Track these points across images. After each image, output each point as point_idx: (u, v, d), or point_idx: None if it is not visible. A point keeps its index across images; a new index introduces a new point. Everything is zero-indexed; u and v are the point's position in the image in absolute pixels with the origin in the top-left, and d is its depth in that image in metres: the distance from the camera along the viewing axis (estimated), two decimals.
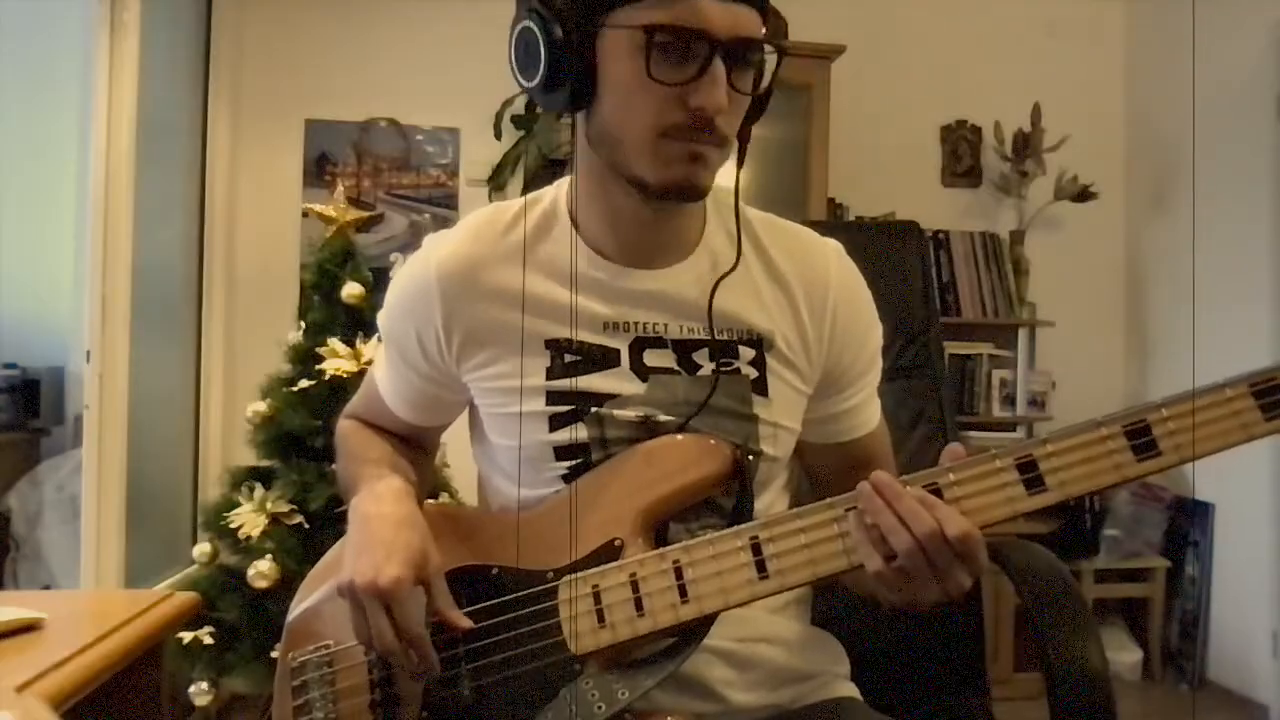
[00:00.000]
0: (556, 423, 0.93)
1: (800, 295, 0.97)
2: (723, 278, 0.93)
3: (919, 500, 0.77)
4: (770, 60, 0.87)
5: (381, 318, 1.02)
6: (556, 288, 0.94)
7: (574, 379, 0.93)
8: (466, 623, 0.88)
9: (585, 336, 0.94)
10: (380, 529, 0.89)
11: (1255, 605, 3.02)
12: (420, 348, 0.98)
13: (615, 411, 0.92)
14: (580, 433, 0.93)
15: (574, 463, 0.93)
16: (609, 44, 0.84)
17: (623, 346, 0.94)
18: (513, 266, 0.95)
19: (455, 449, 1.18)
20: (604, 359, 0.93)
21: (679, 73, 0.82)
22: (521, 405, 0.94)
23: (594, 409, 0.92)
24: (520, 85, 0.89)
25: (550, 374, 0.93)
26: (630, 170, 0.87)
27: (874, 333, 1.02)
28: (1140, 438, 0.75)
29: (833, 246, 1.01)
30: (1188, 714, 3.06)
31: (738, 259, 0.94)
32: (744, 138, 0.91)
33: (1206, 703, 3.11)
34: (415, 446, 1.10)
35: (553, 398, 0.93)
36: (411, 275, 0.98)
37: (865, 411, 1.03)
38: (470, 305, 0.95)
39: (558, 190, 0.99)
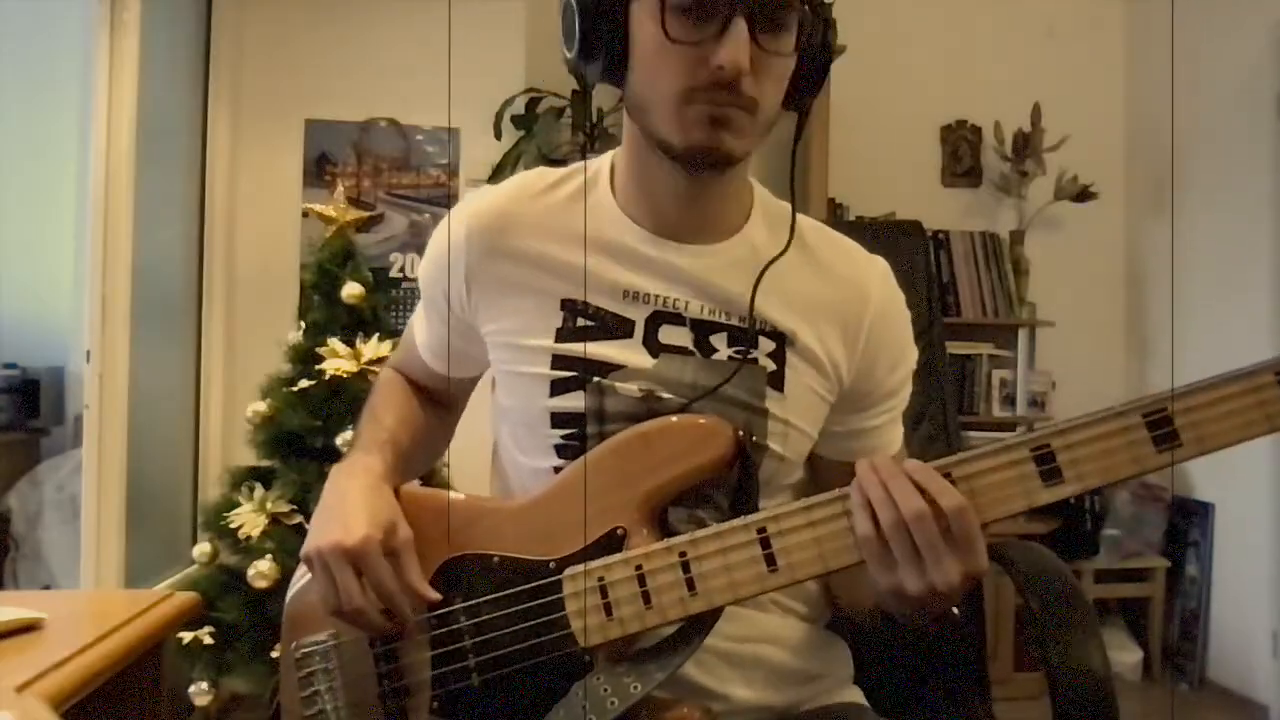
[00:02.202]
0: (558, 388, 0.92)
1: (836, 307, 0.95)
2: (772, 262, 0.92)
3: (914, 479, 0.75)
4: (794, 18, 0.85)
5: (420, 268, 1.04)
6: (581, 253, 0.94)
7: (580, 344, 0.93)
8: (434, 595, 0.88)
9: (602, 303, 0.93)
10: (349, 496, 0.90)
11: (1255, 605, 3.02)
12: (446, 298, 1.00)
13: (617, 384, 0.91)
14: (579, 402, 0.92)
15: (569, 432, 0.92)
16: (637, 10, 0.85)
17: (639, 318, 0.93)
18: (542, 229, 0.95)
19: (455, 448, 1.18)
20: (618, 328, 0.92)
21: (698, 32, 0.82)
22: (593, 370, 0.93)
23: (596, 378, 0.91)
24: (565, 60, 0.90)
25: (560, 336, 0.93)
26: (659, 134, 0.87)
27: (908, 357, 1.00)
28: (1161, 428, 0.73)
29: (879, 264, 0.99)
30: (1188, 714, 3.06)
31: (789, 242, 0.93)
32: (803, 109, 0.91)
33: (1206, 703, 3.11)
34: (440, 403, 1.12)
35: (558, 362, 0.92)
36: (444, 228, 1.00)
37: (888, 433, 1.01)
38: (494, 260, 0.96)
39: (603, 161, 0.99)
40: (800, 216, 0.98)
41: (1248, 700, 3.03)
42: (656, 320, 0.93)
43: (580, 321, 0.93)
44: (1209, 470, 3.24)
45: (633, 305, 0.93)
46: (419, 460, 1.07)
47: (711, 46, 0.81)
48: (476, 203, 0.99)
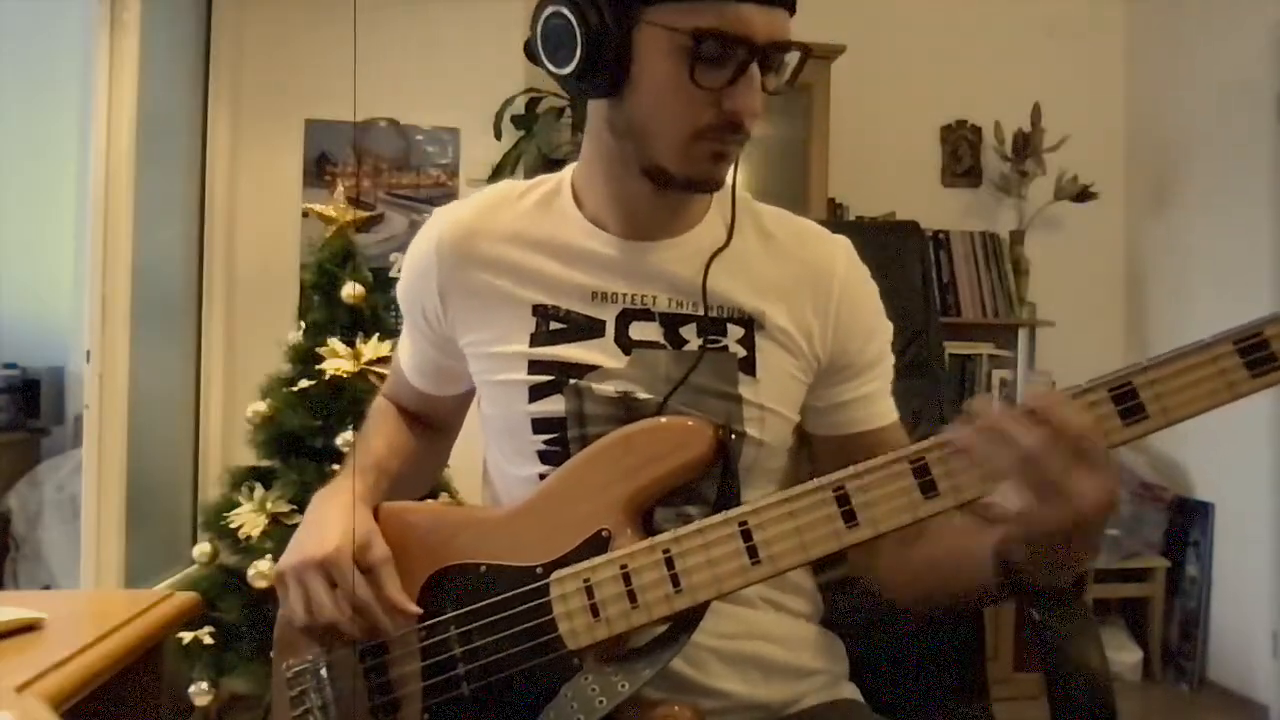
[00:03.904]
0: (536, 393, 0.93)
1: (804, 282, 0.96)
2: (717, 253, 0.93)
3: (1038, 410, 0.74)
4: (794, 58, 0.88)
5: (398, 287, 1.05)
6: (550, 259, 0.95)
7: (554, 346, 0.94)
8: (415, 610, 0.89)
9: (573, 306, 0.94)
10: (325, 517, 0.91)
11: (1255, 605, 3.02)
12: (423, 315, 1.02)
13: (594, 385, 0.92)
14: (558, 405, 0.92)
15: (551, 437, 0.93)
16: (646, 39, 0.84)
17: (609, 318, 0.94)
18: (509, 238, 0.97)
19: (456, 448, 1.18)
20: (589, 329, 0.94)
21: (717, 76, 0.83)
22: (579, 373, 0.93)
23: (573, 381, 0.92)
24: (548, 70, 0.89)
25: (534, 341, 0.94)
26: (654, 162, 0.88)
27: (882, 326, 1.01)
28: (1126, 401, 0.74)
29: (841, 241, 1.01)
30: (1188, 714, 3.06)
31: (730, 235, 0.95)
32: None
33: (1206, 703, 3.11)
34: (432, 426, 1.12)
35: (535, 367, 0.94)
36: (417, 244, 1.02)
37: (878, 403, 1.01)
38: (465, 272, 0.97)
39: (565, 172, 1.01)
40: (761, 205, 1.00)
41: (1248, 700, 3.03)
42: (626, 318, 0.94)
43: (552, 325, 0.94)
44: (1209, 470, 3.24)
45: (602, 305, 0.94)
46: (413, 483, 1.08)
47: (727, 90, 0.83)
48: (444, 217, 1.01)
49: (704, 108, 0.84)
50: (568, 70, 0.86)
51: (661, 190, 0.91)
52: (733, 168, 0.94)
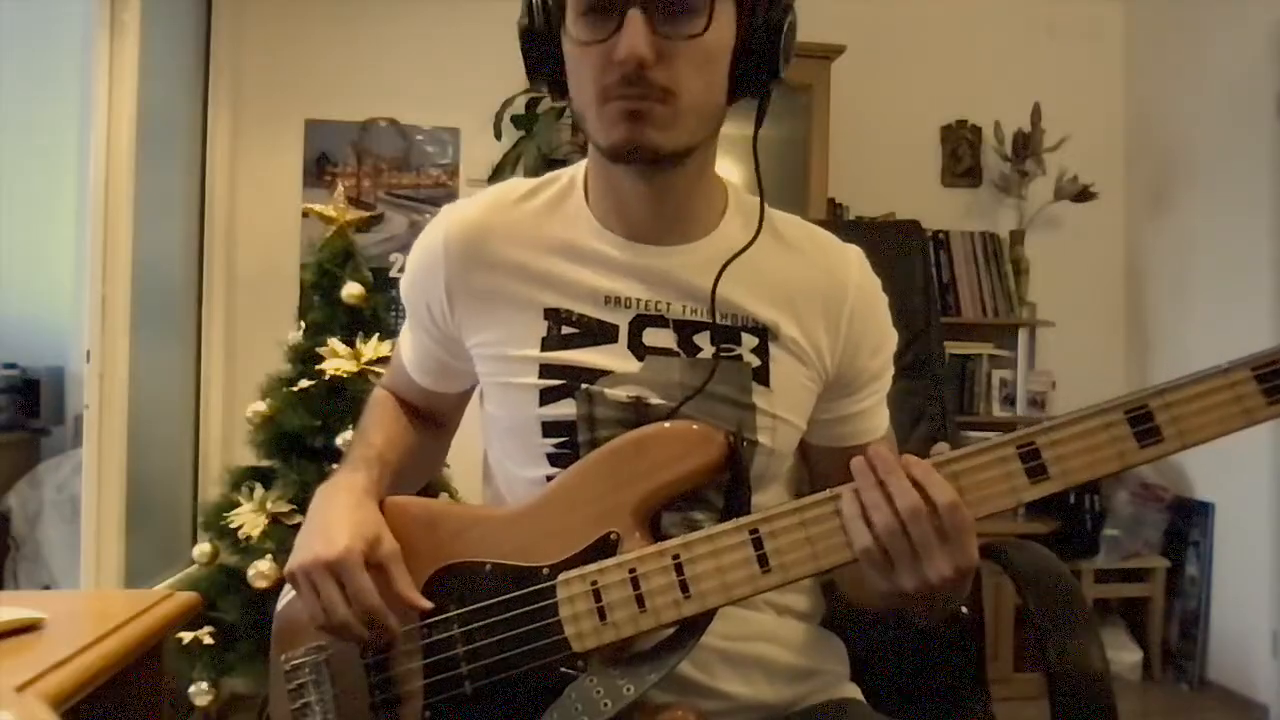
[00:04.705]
0: (547, 397, 0.92)
1: (817, 294, 0.96)
2: (736, 255, 0.92)
3: (911, 474, 0.76)
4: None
5: (401, 283, 1.04)
6: (562, 261, 0.94)
7: (567, 351, 0.93)
8: (426, 604, 0.88)
9: (585, 310, 0.93)
10: (331, 513, 0.90)
11: (1255, 605, 3.02)
12: (429, 312, 1.00)
13: (606, 390, 0.91)
14: (569, 410, 0.92)
15: (561, 440, 0.92)
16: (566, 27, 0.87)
17: (622, 323, 0.93)
18: (519, 238, 0.96)
19: (455, 447, 1.18)
20: (602, 333, 0.93)
21: (600, 31, 0.83)
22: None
23: (585, 385, 0.91)
24: (528, 80, 0.92)
25: (545, 344, 0.93)
26: (592, 138, 0.88)
27: (889, 340, 1.01)
28: (1142, 424, 0.74)
29: (855, 251, 1.00)
30: (1188, 714, 3.06)
31: (758, 232, 0.93)
32: (762, 92, 0.90)
33: (1206, 703, 3.11)
34: (431, 421, 1.11)
35: (545, 371, 0.92)
36: (424, 241, 1.00)
37: (875, 416, 1.01)
38: (473, 272, 0.96)
39: (577, 169, 0.99)
40: (775, 211, 0.99)
41: (1248, 700, 3.03)
42: (640, 324, 0.93)
43: (564, 329, 0.93)
44: (1209, 470, 3.24)
45: (615, 310, 0.93)
46: (410, 478, 1.07)
47: (612, 42, 0.82)
48: (452, 215, 0.99)
49: (601, 68, 0.83)
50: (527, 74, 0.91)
51: (634, 173, 0.90)
52: (757, 180, 0.93)
